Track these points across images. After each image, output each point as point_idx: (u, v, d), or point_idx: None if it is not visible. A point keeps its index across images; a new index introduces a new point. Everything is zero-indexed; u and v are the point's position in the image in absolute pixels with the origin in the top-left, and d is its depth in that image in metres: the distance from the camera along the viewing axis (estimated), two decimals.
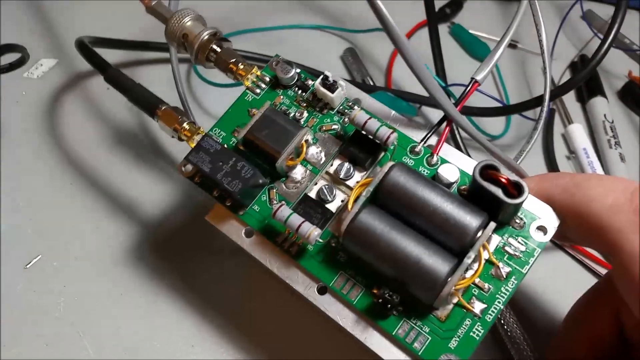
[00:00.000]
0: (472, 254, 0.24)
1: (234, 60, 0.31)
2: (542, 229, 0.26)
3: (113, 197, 0.40)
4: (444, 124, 0.29)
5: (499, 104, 0.41)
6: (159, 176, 0.40)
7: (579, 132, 0.41)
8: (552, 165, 0.40)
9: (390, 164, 0.26)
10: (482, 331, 0.25)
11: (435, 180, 0.27)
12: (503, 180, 0.24)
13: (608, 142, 0.40)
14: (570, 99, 0.43)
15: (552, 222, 0.26)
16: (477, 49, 0.45)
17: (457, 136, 0.40)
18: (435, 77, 0.42)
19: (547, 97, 0.31)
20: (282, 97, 0.31)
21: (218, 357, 0.35)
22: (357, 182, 0.28)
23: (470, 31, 0.46)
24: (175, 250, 0.38)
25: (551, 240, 0.27)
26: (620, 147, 0.40)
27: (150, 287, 0.37)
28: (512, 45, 0.46)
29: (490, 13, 0.47)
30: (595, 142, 0.41)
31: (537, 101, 0.34)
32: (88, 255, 0.38)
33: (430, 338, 0.25)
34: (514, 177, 0.24)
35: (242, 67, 0.31)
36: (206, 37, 0.31)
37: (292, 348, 0.35)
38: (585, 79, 0.34)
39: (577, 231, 0.26)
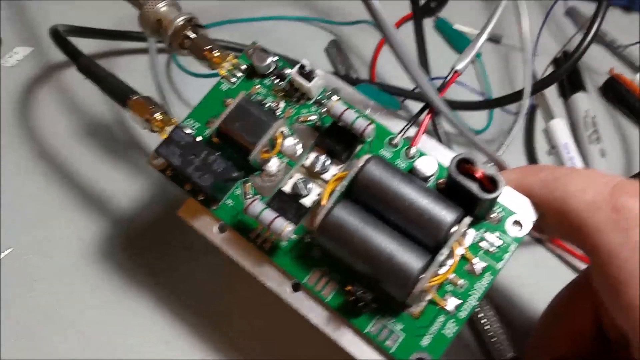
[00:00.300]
0: (444, 250, 0.23)
1: (209, 47, 0.31)
2: (518, 223, 0.26)
3: (86, 190, 0.39)
4: (424, 113, 0.28)
5: (481, 98, 0.40)
6: (132, 170, 0.40)
7: (560, 127, 0.41)
8: (532, 160, 0.40)
9: (366, 157, 0.25)
10: (456, 328, 0.24)
11: (412, 174, 0.27)
12: (478, 174, 0.24)
13: (589, 137, 0.40)
14: (552, 95, 0.43)
15: (528, 217, 0.25)
16: (461, 44, 0.45)
17: (438, 130, 0.39)
18: None
19: (527, 89, 0.30)
20: (258, 86, 0.30)
21: (193, 356, 0.34)
22: (333, 175, 0.28)
23: (455, 26, 0.45)
24: (148, 245, 0.37)
25: (531, 235, 0.26)
26: (601, 143, 0.40)
27: (123, 282, 0.36)
28: (496, 41, 0.45)
29: (475, 9, 0.47)
30: (577, 138, 0.41)
31: (518, 95, 0.34)
32: (59, 249, 0.37)
33: (403, 336, 0.25)
34: (489, 170, 0.24)
35: (217, 54, 0.31)
36: (181, 22, 0.30)
37: (268, 347, 0.34)
38: (566, 73, 0.34)
39: (556, 227, 0.25)
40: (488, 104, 0.40)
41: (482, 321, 0.33)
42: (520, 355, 0.32)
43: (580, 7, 0.45)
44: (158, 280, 0.36)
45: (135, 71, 0.42)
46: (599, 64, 0.44)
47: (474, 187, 0.23)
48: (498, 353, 0.32)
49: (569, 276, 0.36)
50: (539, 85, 0.36)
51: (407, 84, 0.41)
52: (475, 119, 0.42)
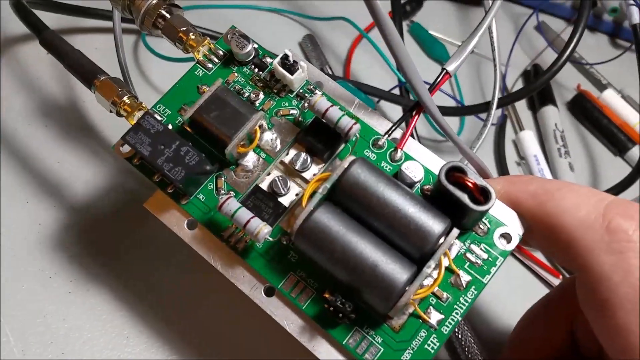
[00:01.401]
0: (432, 263, 0.22)
1: (184, 29, 0.28)
2: (506, 236, 0.25)
3: (44, 173, 0.36)
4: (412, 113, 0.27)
5: (453, 104, 0.40)
6: (90, 155, 0.37)
7: (529, 139, 0.41)
8: (502, 169, 0.41)
9: (351, 159, 0.24)
10: (438, 344, 0.23)
11: (397, 178, 0.25)
12: (470, 184, 0.22)
13: (558, 150, 0.40)
14: (521, 106, 0.44)
15: (517, 230, 0.25)
16: (434, 49, 0.44)
17: (415, 135, 0.38)
18: (395, 71, 0.41)
19: (494, 102, 0.31)
20: (236, 74, 0.28)
21: (154, 350, 0.33)
22: (314, 175, 0.26)
23: (430, 32, 0.45)
24: (111, 236, 0.35)
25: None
26: (569, 157, 0.40)
27: (83, 273, 0.34)
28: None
29: (448, 15, 0.47)
30: (545, 150, 0.42)
31: (488, 105, 0.34)
32: (15, 233, 0.35)
33: (382, 349, 0.23)
34: (481, 181, 0.23)
35: (193, 37, 0.28)
36: (155, 0, 0.28)
37: (232, 347, 0.33)
38: (540, 88, 0.36)
39: (543, 242, 0.25)
40: (459, 111, 0.40)
41: (458, 334, 0.32)
42: None
43: (550, 22, 0.46)
44: (120, 272, 0.34)
45: (98, 50, 0.40)
46: (565, 79, 0.44)
47: (465, 197, 0.22)
48: None
49: (539, 288, 0.37)
50: (511, 98, 0.36)
51: (382, 84, 0.40)
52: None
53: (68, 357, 0.32)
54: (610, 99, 0.43)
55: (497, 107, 0.33)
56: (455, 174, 0.23)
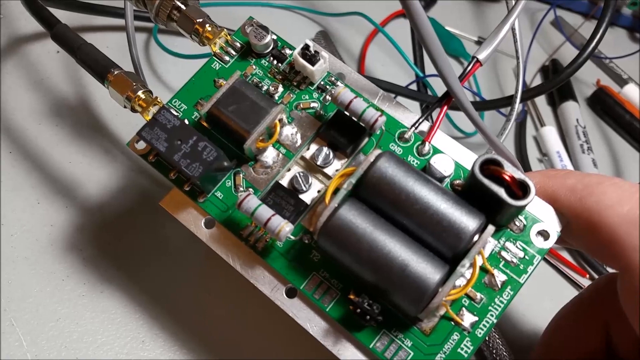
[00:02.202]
0: (466, 262, 0.21)
1: (200, 20, 0.27)
2: (543, 233, 0.23)
3: (55, 173, 0.35)
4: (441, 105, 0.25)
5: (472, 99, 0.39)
6: (106, 154, 0.36)
7: (552, 135, 0.40)
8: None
9: (377, 152, 0.23)
10: (472, 348, 0.22)
11: (426, 173, 0.24)
12: (507, 178, 0.21)
13: (581, 146, 0.39)
14: (541, 103, 0.43)
15: (554, 227, 0.23)
16: (451, 45, 0.43)
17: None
18: (412, 65, 0.40)
19: (518, 95, 0.30)
20: (254, 67, 0.27)
21: (171, 355, 0.31)
22: (337, 170, 0.25)
23: (447, 28, 0.44)
24: (125, 237, 0.34)
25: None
26: (592, 153, 0.39)
27: (97, 275, 0.33)
28: None
29: (462, 11, 0.46)
30: (567, 146, 0.40)
31: (510, 99, 0.33)
32: (27, 235, 0.34)
33: (412, 353, 0.22)
34: (519, 174, 0.21)
35: (209, 29, 0.27)
36: None
37: (250, 350, 0.32)
38: (561, 83, 0.34)
39: (582, 239, 0.23)
40: (482, 106, 0.38)
41: (486, 338, 0.31)
42: None
43: (566, 18, 0.45)
44: (135, 274, 0.33)
45: (110, 49, 0.39)
46: (583, 75, 0.43)
47: (502, 192, 0.21)
48: None
49: (566, 288, 0.35)
50: (535, 91, 0.35)
51: (395, 82, 0.38)
52: (465, 121, 0.39)
53: None
54: (632, 93, 0.42)
55: (521, 101, 0.32)
56: (490, 167, 0.21)
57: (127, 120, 0.37)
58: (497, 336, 0.31)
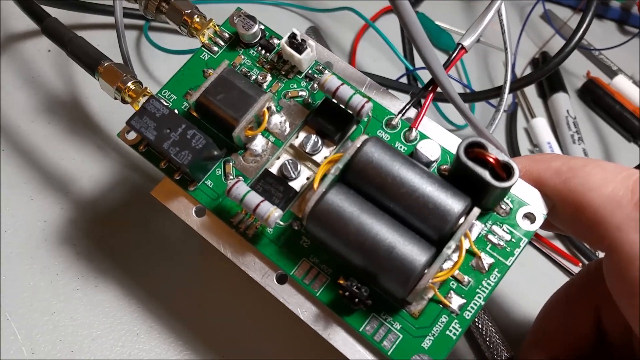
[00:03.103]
0: (452, 244, 0.21)
1: (188, 11, 0.27)
2: (529, 216, 0.23)
3: (48, 169, 0.35)
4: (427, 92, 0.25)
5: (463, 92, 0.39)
6: (95, 151, 0.36)
7: (542, 126, 0.40)
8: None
9: (364, 137, 0.23)
10: (460, 330, 0.22)
11: (413, 158, 0.24)
12: (491, 160, 0.21)
13: (572, 137, 0.40)
14: (531, 95, 0.43)
15: (541, 210, 0.23)
16: (441, 39, 0.43)
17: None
18: (402, 58, 0.40)
19: (507, 85, 0.30)
20: (242, 57, 0.27)
21: (166, 347, 0.32)
22: (325, 157, 0.25)
23: (436, 22, 0.44)
24: (118, 231, 0.34)
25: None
26: (583, 143, 0.40)
27: (91, 269, 0.33)
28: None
29: (452, 6, 0.46)
30: (558, 137, 0.41)
31: (500, 89, 0.33)
32: (20, 231, 0.34)
33: (401, 336, 0.22)
34: (503, 157, 0.21)
35: (197, 20, 0.28)
36: None
37: (245, 342, 0.32)
38: (550, 72, 0.34)
39: (568, 221, 0.23)
40: (470, 97, 0.38)
41: (477, 322, 0.31)
42: (515, 355, 0.30)
43: (555, 11, 0.46)
44: (128, 268, 0.33)
45: (100, 47, 0.39)
46: (573, 66, 0.44)
47: (486, 174, 0.21)
48: (493, 353, 0.30)
49: (558, 276, 0.36)
50: (524, 81, 0.35)
51: (387, 75, 0.39)
52: (456, 114, 0.40)
53: (77, 355, 0.31)
54: (622, 84, 0.42)
55: (510, 91, 0.32)
56: (475, 149, 0.22)
57: (120, 117, 0.37)
58: (490, 324, 0.31)
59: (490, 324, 0.31)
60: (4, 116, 0.37)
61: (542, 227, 0.33)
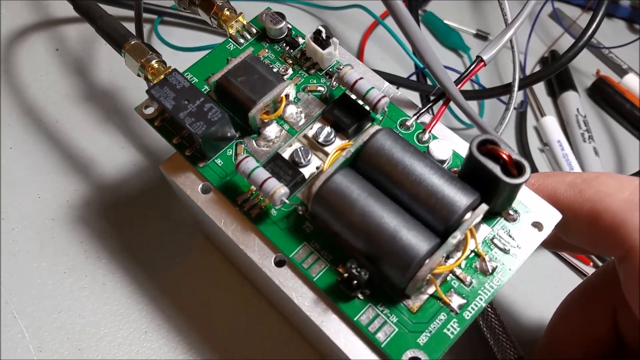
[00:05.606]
0: (458, 234, 0.21)
1: (220, 3, 0.28)
2: (537, 225, 0.23)
3: (56, 168, 0.35)
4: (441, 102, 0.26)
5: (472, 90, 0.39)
6: (109, 148, 0.36)
7: (552, 125, 0.40)
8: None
9: (377, 127, 0.23)
10: (458, 329, 0.21)
11: None
12: (504, 156, 0.21)
13: (582, 135, 0.39)
14: (541, 93, 0.43)
15: (548, 219, 0.23)
16: (449, 38, 0.44)
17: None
18: (411, 56, 0.40)
19: (516, 82, 0.29)
20: (267, 50, 0.28)
21: (174, 345, 0.31)
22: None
23: (445, 21, 0.45)
24: (127, 230, 0.34)
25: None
26: (593, 141, 0.39)
27: (98, 267, 0.33)
28: (484, 37, 0.45)
29: (460, 5, 0.47)
30: (568, 136, 0.40)
31: (509, 86, 0.33)
32: (27, 229, 0.34)
33: (396, 329, 0.21)
34: (515, 155, 0.21)
35: (227, 13, 0.28)
36: None
37: (253, 340, 0.31)
38: (560, 69, 0.34)
39: (582, 232, 0.23)
40: (480, 94, 0.38)
41: (487, 321, 0.30)
42: (525, 356, 0.29)
43: (564, 10, 0.46)
44: (137, 266, 0.33)
45: None
46: (583, 65, 0.44)
47: (497, 169, 0.21)
48: (504, 353, 0.29)
49: (570, 277, 0.35)
50: (533, 78, 0.35)
51: (399, 71, 0.39)
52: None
53: (85, 353, 0.30)
54: (632, 83, 0.42)
55: (520, 89, 0.32)
56: (488, 146, 0.22)
57: (120, 119, 0.38)
58: (499, 323, 0.30)
59: (499, 322, 0.30)
60: (11, 115, 0.37)
61: (550, 247, 0.33)
